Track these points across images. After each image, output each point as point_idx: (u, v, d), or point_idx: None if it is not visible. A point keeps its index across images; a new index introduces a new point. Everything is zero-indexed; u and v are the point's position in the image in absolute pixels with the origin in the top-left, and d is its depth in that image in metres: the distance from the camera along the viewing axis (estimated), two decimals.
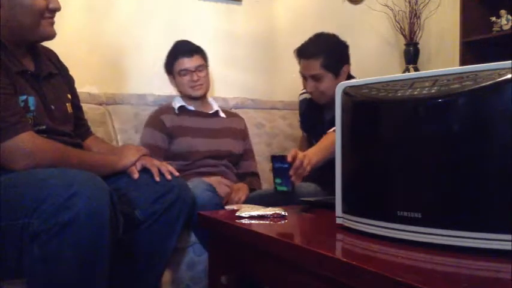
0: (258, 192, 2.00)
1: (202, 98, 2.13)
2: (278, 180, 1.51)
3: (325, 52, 1.88)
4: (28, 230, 1.04)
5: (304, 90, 2.14)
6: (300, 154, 1.56)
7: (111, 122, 2.14)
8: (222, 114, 2.18)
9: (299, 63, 1.96)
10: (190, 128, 2.05)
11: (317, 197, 1.66)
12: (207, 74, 2.11)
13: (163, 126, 2.01)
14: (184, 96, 2.12)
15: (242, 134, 2.20)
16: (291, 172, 1.50)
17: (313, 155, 1.64)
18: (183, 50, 2.08)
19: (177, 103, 2.10)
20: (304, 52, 1.92)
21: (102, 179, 1.13)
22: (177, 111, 2.08)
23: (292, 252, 0.98)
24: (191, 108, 2.11)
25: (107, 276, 1.11)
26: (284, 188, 1.50)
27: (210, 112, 2.15)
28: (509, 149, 0.81)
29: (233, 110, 2.43)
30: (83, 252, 1.05)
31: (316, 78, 1.89)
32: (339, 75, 1.91)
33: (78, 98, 1.61)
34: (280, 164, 1.50)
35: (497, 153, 0.83)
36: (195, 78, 2.05)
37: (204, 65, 2.10)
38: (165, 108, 2.11)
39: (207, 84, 2.11)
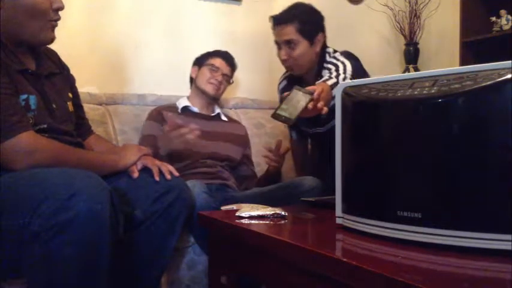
0: (259, 189, 2.01)
1: (210, 101, 2.16)
2: (284, 106, 1.44)
3: (300, 17, 1.89)
4: (28, 230, 1.04)
5: (282, 77, 2.14)
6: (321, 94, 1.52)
7: (111, 122, 2.14)
8: (224, 118, 2.21)
9: (274, 31, 1.96)
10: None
11: (318, 190, 1.67)
12: (226, 86, 2.18)
13: (163, 120, 2.03)
14: (195, 91, 2.15)
15: (243, 141, 2.21)
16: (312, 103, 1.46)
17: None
18: (225, 55, 2.17)
19: (181, 103, 2.14)
20: (279, 18, 1.93)
21: (102, 179, 1.13)
22: (179, 111, 2.11)
23: (292, 252, 0.98)
24: (195, 109, 2.14)
25: (107, 276, 1.11)
26: (286, 114, 1.43)
27: (212, 115, 2.18)
28: (509, 149, 0.81)
29: (233, 111, 2.43)
30: (83, 252, 1.05)
31: (290, 44, 1.90)
32: (314, 43, 1.92)
33: (79, 97, 1.61)
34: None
35: (497, 153, 0.83)
36: (220, 78, 2.11)
37: (230, 78, 2.19)
38: (167, 106, 2.15)
39: (223, 90, 2.17)
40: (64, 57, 1.58)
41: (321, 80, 1.78)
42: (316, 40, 1.92)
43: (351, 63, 1.88)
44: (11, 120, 1.20)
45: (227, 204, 1.68)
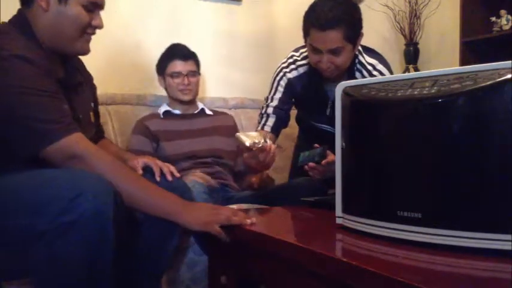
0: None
1: (190, 102, 2.14)
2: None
3: (346, 20, 1.58)
4: (33, 231, 1.04)
5: (295, 65, 1.84)
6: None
7: (111, 123, 2.14)
8: (209, 112, 2.19)
9: (312, 35, 1.62)
10: (176, 131, 2.05)
11: (317, 191, 1.66)
12: (198, 81, 2.14)
13: (148, 131, 2.03)
14: (172, 99, 2.14)
15: (232, 131, 2.14)
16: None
17: None
18: (179, 53, 2.11)
19: (162, 108, 2.13)
20: (323, 23, 1.57)
21: (106, 180, 1.13)
22: (162, 116, 2.10)
23: (292, 252, 0.98)
24: (176, 112, 2.12)
25: (111, 276, 1.11)
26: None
27: (196, 112, 2.16)
28: (509, 148, 0.81)
29: (233, 111, 2.43)
30: (88, 252, 1.05)
31: (335, 51, 1.61)
32: (356, 46, 1.67)
33: (98, 105, 1.62)
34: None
35: (497, 153, 0.83)
36: (186, 82, 2.07)
37: (196, 72, 2.13)
38: (149, 115, 2.13)
39: (196, 89, 2.14)
40: None
41: None
42: (358, 41, 1.67)
43: (386, 67, 1.74)
44: (64, 121, 1.20)
45: (227, 204, 1.69)
